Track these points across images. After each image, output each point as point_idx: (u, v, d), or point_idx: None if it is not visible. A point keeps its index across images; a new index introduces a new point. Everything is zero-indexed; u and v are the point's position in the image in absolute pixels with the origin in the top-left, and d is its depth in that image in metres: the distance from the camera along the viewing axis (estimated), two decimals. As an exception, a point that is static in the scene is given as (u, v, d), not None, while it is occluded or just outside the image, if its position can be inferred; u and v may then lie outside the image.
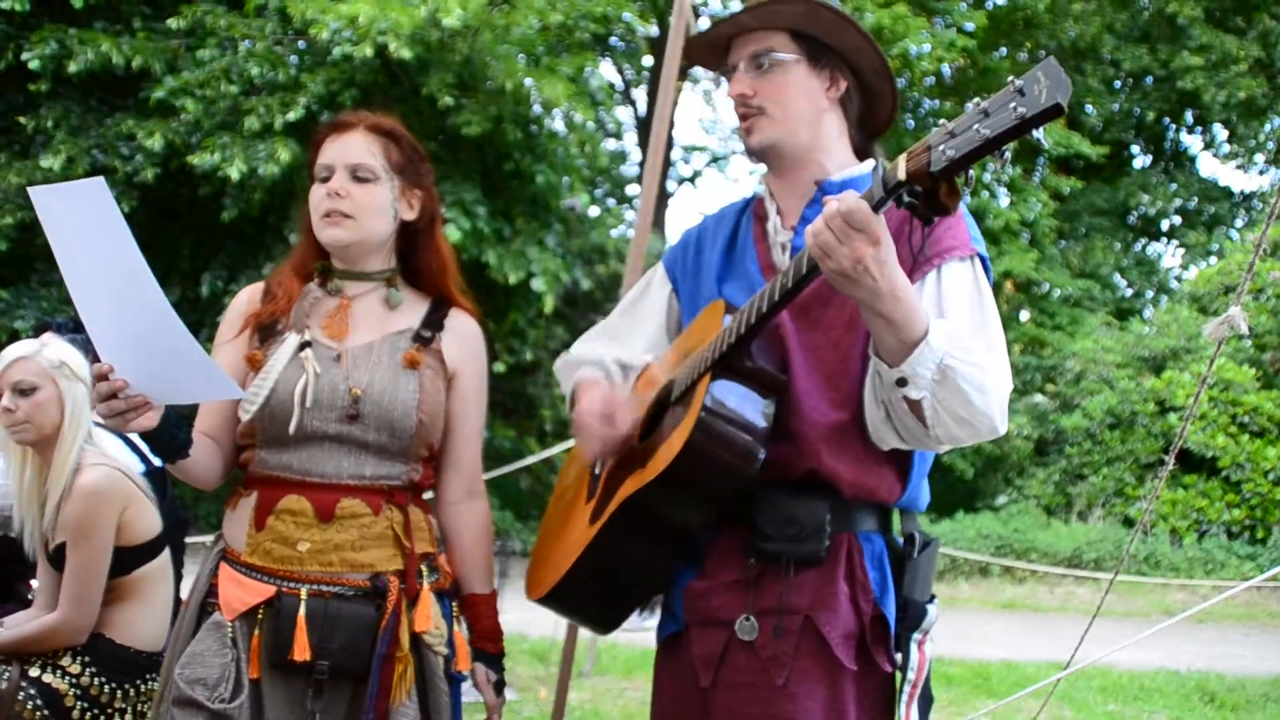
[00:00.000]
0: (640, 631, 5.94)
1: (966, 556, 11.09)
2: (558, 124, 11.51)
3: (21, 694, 2.47)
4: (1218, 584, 10.05)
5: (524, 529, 12.37)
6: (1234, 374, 11.68)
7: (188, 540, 3.29)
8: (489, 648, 2.09)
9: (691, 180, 21.23)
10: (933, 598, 1.82)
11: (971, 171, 1.40)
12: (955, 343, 1.60)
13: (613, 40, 15.82)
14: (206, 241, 11.17)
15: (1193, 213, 18.14)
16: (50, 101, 10.35)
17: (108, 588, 2.59)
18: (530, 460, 8.54)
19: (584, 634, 4.53)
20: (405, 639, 1.93)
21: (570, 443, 2.59)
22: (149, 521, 2.68)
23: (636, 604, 1.95)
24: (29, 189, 1.69)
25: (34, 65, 9.90)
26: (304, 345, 1.97)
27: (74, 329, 3.01)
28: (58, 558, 2.57)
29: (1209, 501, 11.60)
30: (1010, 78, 1.32)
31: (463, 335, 2.10)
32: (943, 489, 13.60)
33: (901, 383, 1.60)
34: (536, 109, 10.74)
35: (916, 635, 1.78)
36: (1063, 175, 16.70)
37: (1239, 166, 18.51)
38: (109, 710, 2.56)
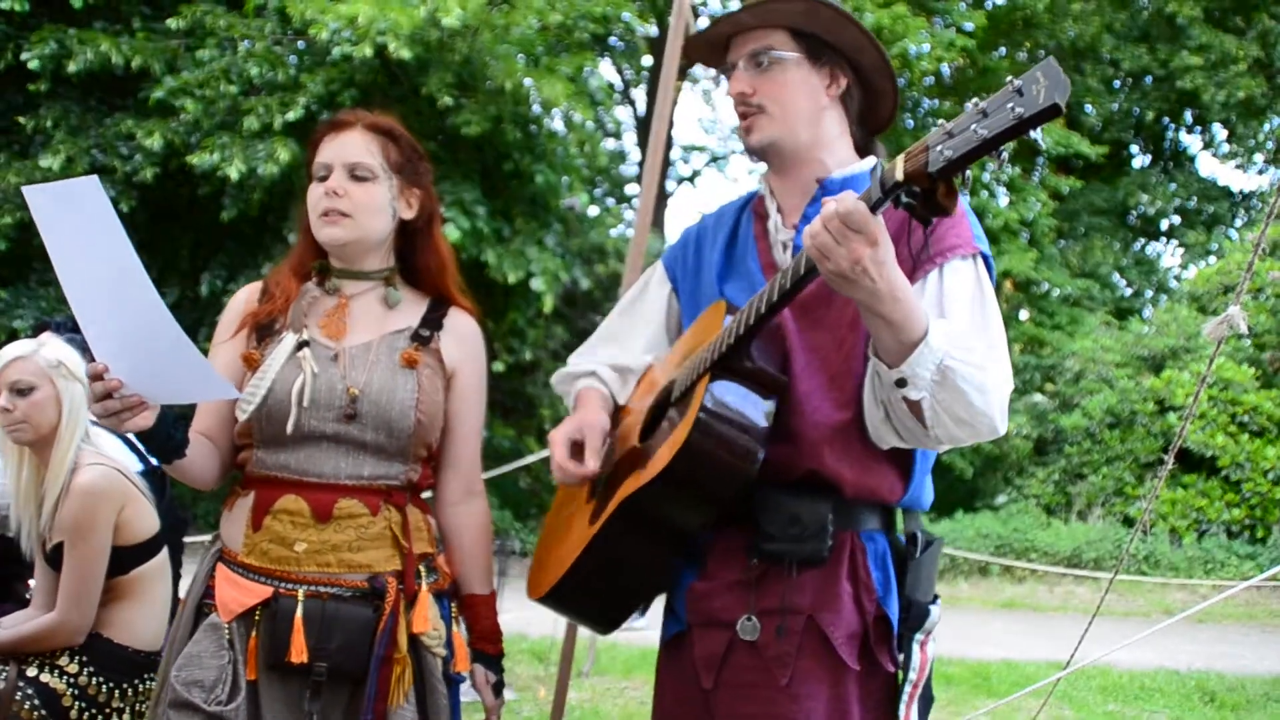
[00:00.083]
0: (639, 631, 5.96)
1: (966, 556, 11.09)
2: (557, 124, 11.51)
3: (19, 694, 2.46)
4: (1217, 583, 10.05)
5: (523, 529, 12.36)
6: (1233, 373, 11.68)
7: (186, 540, 3.28)
8: (488, 649, 2.08)
9: (691, 180, 21.22)
10: (936, 598, 1.81)
11: (970, 172, 1.39)
12: (955, 343, 1.59)
13: (612, 40, 15.81)
14: (206, 241, 11.17)
15: (1192, 212, 18.13)
16: (50, 101, 10.35)
17: (105, 587, 2.59)
18: (529, 460, 8.54)
19: (583, 634, 4.52)
20: (403, 640, 1.92)
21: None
22: (147, 521, 2.67)
23: (637, 604, 1.95)
24: (24, 188, 1.68)
25: (33, 65, 9.90)
26: (301, 345, 1.95)
27: (72, 329, 3.00)
28: (55, 557, 2.57)
29: (1208, 501, 11.60)
30: (1009, 78, 1.31)
31: (461, 335, 2.09)
32: (942, 488, 13.56)
33: (901, 383, 1.59)
34: (536, 109, 10.74)
35: (919, 635, 1.77)
36: (1062, 175, 16.69)
37: (1238, 166, 18.51)
38: (107, 710, 2.56)
